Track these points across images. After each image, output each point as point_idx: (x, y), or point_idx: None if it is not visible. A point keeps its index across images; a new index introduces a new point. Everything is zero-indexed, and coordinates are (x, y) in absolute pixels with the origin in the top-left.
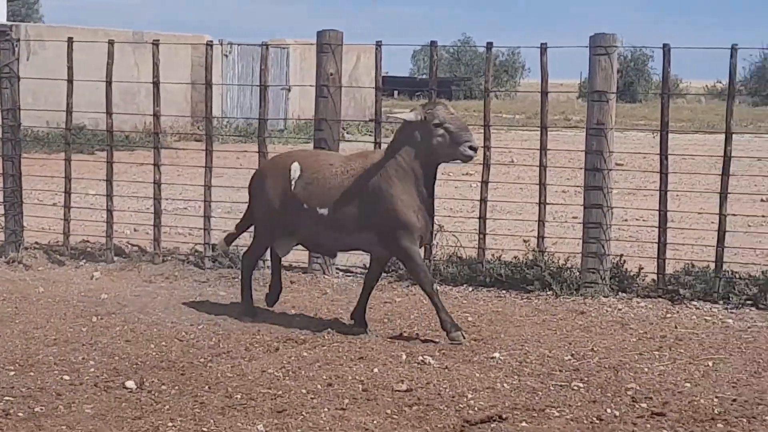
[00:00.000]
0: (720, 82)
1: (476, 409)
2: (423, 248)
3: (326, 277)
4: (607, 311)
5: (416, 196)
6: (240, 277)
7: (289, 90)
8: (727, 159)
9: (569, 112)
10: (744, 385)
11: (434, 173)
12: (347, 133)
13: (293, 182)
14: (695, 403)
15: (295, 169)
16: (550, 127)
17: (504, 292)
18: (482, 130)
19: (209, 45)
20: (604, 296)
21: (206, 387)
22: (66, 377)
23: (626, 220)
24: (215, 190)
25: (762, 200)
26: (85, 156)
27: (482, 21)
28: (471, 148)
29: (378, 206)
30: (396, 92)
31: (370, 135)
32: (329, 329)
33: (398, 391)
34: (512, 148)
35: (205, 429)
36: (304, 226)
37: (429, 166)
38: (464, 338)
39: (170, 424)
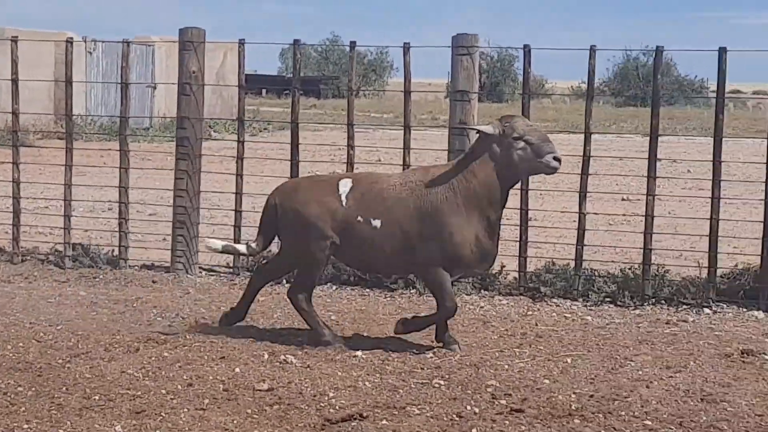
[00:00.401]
0: (584, 83)
1: (337, 407)
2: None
3: (189, 276)
4: (469, 309)
5: (479, 223)
6: (305, 319)
7: (154, 88)
8: (586, 159)
9: (437, 111)
10: (601, 381)
11: (508, 192)
12: (214, 131)
13: (343, 197)
14: (553, 399)
15: (345, 184)
16: (415, 127)
17: (368, 290)
18: (346, 129)
19: (69, 42)
20: (466, 294)
21: (64, 388)
22: None
23: None
24: (78, 189)
25: (623, 199)
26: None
27: (353, 20)
28: (555, 158)
29: (431, 229)
30: (264, 90)
31: (237, 132)
32: (191, 329)
33: (259, 390)
34: (380, 147)
35: (62, 430)
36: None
37: (506, 183)
38: (459, 349)
39: (26, 426)
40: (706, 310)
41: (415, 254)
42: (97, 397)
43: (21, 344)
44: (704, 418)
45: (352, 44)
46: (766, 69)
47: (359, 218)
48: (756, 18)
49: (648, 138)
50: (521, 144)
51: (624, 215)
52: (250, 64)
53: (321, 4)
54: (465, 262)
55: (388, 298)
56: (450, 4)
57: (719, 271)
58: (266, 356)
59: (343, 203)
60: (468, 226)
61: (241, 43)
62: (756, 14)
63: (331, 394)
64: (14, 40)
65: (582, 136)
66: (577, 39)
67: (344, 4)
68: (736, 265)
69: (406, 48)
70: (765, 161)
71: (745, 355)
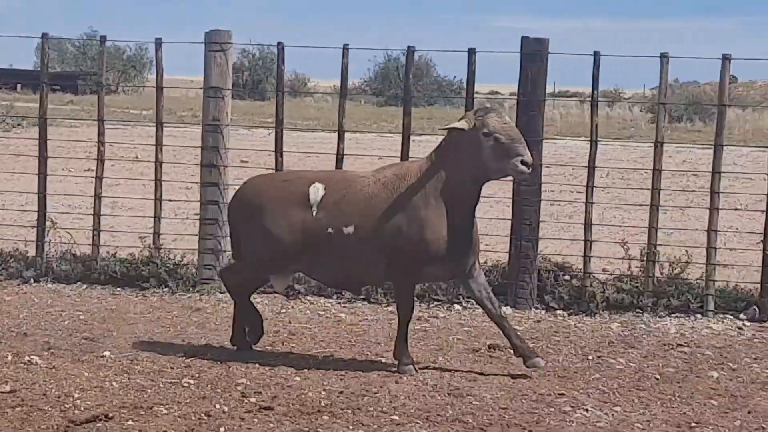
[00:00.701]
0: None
1: (82, 408)
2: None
3: None
4: (223, 307)
5: (450, 221)
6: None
7: None
8: (340, 156)
9: (198, 109)
10: (351, 378)
11: (479, 192)
12: None
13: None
14: (303, 396)
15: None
16: (170, 123)
17: (119, 289)
18: (96, 125)
19: None
20: (220, 292)
21: None
22: None
23: None
24: None
25: None
26: None
27: (113, 15)
28: (523, 162)
29: (403, 225)
30: (19, 86)
31: None
32: None
33: (1, 392)
34: (138, 144)
35: None
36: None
37: (476, 180)
38: (416, 371)
39: None
40: (457, 307)
41: (392, 256)
42: None
43: None
44: (450, 411)
45: (103, 38)
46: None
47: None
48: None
49: (414, 136)
50: (491, 141)
51: None
52: (5, 59)
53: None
54: (435, 258)
55: (140, 297)
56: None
57: None
58: (10, 357)
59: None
60: (441, 222)
61: None
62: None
63: (76, 395)
64: None
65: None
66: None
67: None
68: (486, 262)
69: (158, 44)
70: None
71: (492, 349)
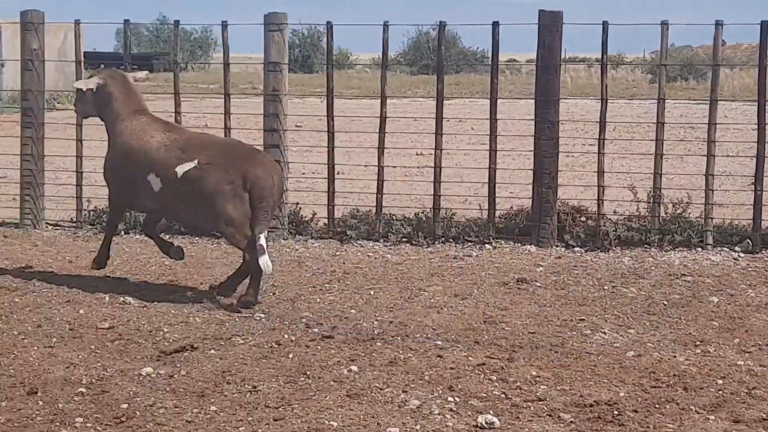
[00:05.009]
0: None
1: (171, 340)
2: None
3: (37, 231)
4: (286, 251)
5: None
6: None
7: (2, 65)
8: (383, 119)
9: (257, 82)
10: (399, 309)
11: None
12: (58, 103)
13: None
14: (358, 326)
15: None
16: (235, 95)
17: (197, 238)
18: (173, 98)
19: None
20: (283, 239)
21: None
22: None
23: (303, 173)
24: None
25: (417, 154)
26: None
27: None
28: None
29: None
30: (101, 66)
31: None
32: (39, 277)
33: (101, 328)
34: (206, 113)
35: None
36: None
37: None
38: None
39: None
40: (488, 246)
41: None
42: None
43: None
44: (486, 336)
45: (176, 23)
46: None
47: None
48: None
49: (445, 101)
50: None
51: (417, 167)
52: (89, 43)
53: None
54: None
55: (215, 245)
56: None
57: (498, 213)
58: (107, 299)
59: None
60: None
61: (77, 23)
62: None
63: (165, 329)
64: None
65: (380, 100)
66: (375, 17)
67: None
68: (512, 207)
69: (224, 26)
70: (533, 119)
71: (520, 283)
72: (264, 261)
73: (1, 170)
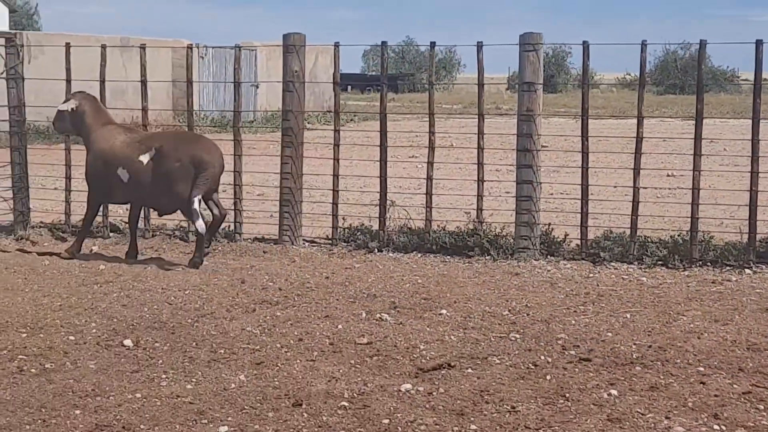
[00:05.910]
0: (629, 74)
1: (428, 358)
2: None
3: (294, 247)
4: (538, 272)
5: None
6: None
7: (257, 87)
8: (639, 139)
9: (499, 102)
10: (657, 333)
11: None
12: (308, 123)
13: None
14: (616, 349)
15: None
16: (485, 115)
17: (448, 257)
18: (427, 118)
19: (189, 48)
20: (535, 260)
21: (194, 344)
22: (71, 337)
23: (552, 194)
24: None
25: (668, 175)
26: (81, 146)
27: (422, 24)
28: None
29: None
30: (349, 87)
31: (327, 124)
32: (298, 292)
33: (360, 344)
34: (451, 133)
35: (194, 380)
36: None
37: None
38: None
39: (164, 375)
40: (747, 271)
41: None
42: (222, 351)
43: (156, 306)
44: (750, 364)
45: (432, 44)
46: None
47: None
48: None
49: (692, 121)
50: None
51: (669, 189)
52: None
53: (392, 10)
54: None
55: (466, 264)
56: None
57: (758, 236)
58: (364, 315)
59: None
60: None
61: (336, 45)
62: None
63: (422, 347)
64: (142, 47)
65: (630, 120)
66: (616, 36)
67: (412, 10)
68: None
69: (479, 46)
70: None
71: None
72: (199, 224)
73: (258, 188)
